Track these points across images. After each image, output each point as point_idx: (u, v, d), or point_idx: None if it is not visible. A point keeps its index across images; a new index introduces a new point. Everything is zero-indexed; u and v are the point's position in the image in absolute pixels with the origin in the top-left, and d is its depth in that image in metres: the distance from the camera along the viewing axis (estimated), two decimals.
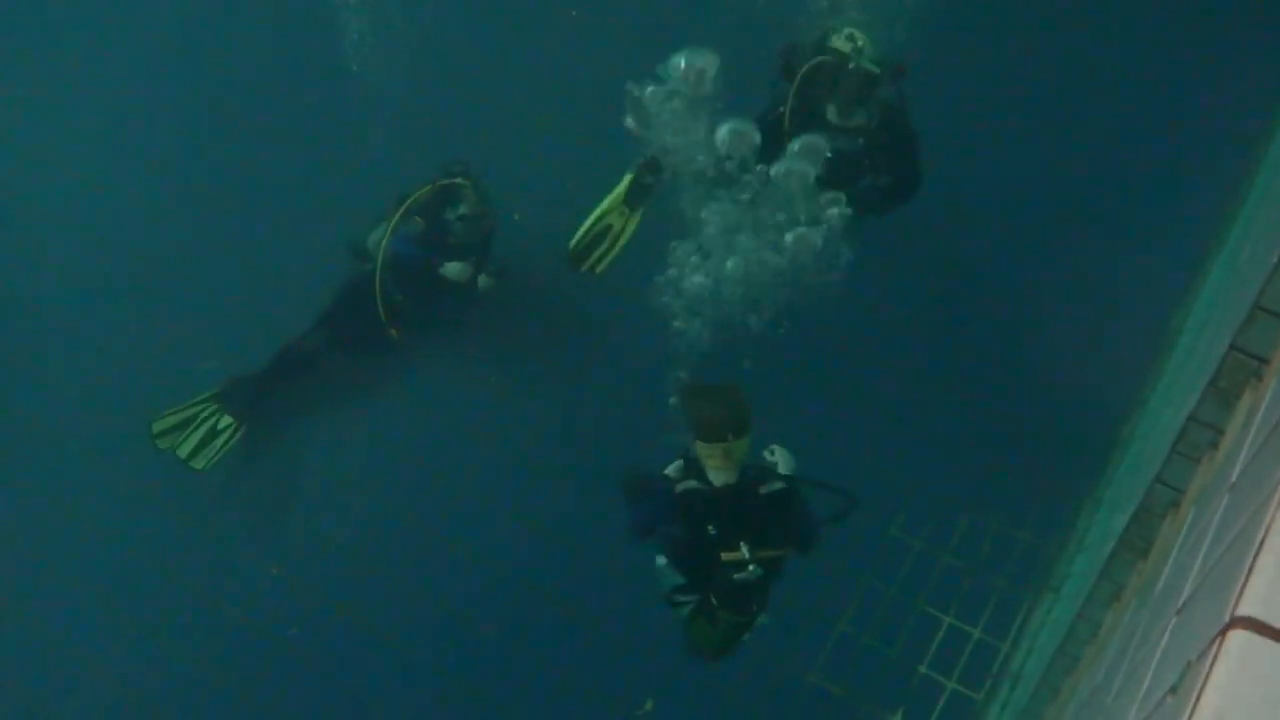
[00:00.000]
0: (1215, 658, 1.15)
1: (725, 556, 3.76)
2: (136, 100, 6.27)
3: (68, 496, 5.26)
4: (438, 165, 5.46)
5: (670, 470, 3.90)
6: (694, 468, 3.84)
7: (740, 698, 4.32)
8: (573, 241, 4.96)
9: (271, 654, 4.91)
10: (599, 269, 4.98)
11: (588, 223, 4.93)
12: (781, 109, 4.63)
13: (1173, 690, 1.35)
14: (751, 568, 3.74)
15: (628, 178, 4.85)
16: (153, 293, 5.79)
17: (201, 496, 5.26)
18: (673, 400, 3.91)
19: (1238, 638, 1.15)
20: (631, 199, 4.88)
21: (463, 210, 5.34)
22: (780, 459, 3.94)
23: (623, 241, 4.94)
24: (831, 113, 4.64)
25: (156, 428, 5.23)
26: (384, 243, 5.23)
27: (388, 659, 4.85)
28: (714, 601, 3.90)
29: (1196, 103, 5.43)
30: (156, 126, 6.20)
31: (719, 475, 3.77)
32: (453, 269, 5.34)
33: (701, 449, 3.75)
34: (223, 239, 5.84)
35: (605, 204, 4.92)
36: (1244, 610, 1.17)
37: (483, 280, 5.44)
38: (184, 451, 5.21)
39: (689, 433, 3.78)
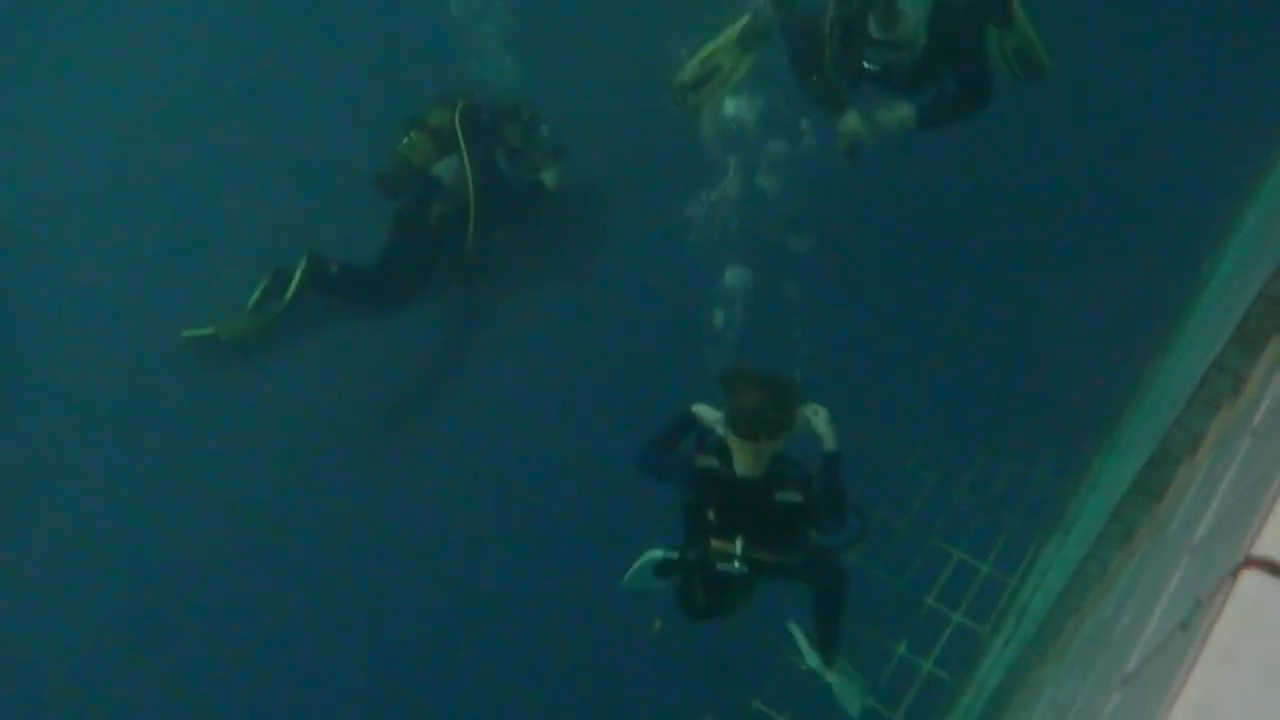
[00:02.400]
0: (1227, 595, 1.17)
1: (715, 544, 3.71)
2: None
3: (77, 456, 5.20)
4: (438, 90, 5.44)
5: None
6: (719, 445, 3.74)
7: (746, 623, 4.37)
8: (680, 75, 4.80)
9: (279, 657, 4.84)
10: (701, 106, 4.81)
11: (697, 58, 4.76)
12: (826, 19, 4.38)
13: (1182, 625, 1.38)
14: (738, 565, 3.70)
15: (744, 19, 4.71)
16: (177, 209, 5.79)
17: (209, 479, 5.13)
18: (720, 371, 3.79)
19: (1251, 577, 1.16)
20: (744, 40, 4.71)
21: (544, 125, 5.49)
22: (819, 423, 3.74)
23: (732, 81, 4.76)
24: (873, 26, 4.31)
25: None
26: (470, 177, 5.18)
27: (395, 649, 4.81)
28: (697, 580, 3.87)
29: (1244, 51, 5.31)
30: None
31: (742, 466, 3.66)
32: (552, 176, 5.49)
33: (731, 439, 3.64)
34: (257, 149, 5.83)
35: (718, 42, 4.74)
36: (1259, 550, 1.19)
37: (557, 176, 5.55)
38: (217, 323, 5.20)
39: (724, 414, 3.68)
